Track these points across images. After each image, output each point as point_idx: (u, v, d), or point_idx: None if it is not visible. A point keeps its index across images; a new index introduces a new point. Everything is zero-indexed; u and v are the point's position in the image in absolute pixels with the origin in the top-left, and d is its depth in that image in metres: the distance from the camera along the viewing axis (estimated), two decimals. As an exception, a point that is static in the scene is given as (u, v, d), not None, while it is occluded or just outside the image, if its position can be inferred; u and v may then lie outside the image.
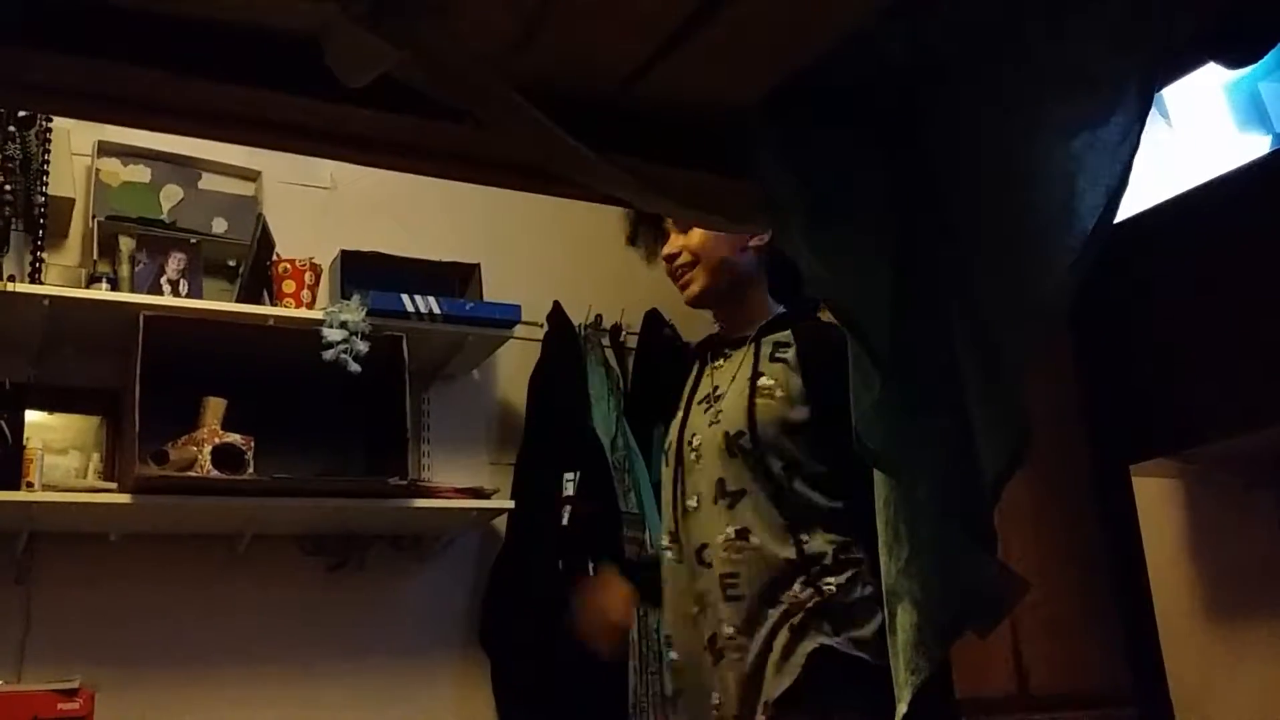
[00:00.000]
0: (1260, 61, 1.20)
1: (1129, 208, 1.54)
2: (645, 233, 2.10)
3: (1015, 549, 1.36)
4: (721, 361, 2.00)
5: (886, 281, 1.20)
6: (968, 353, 1.16)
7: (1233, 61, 1.21)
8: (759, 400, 1.86)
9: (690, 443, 1.95)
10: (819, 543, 1.78)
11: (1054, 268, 1.11)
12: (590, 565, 3.13)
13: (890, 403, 1.18)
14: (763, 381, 1.88)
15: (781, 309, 1.99)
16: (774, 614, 1.75)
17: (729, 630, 1.79)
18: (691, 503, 1.91)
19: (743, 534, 1.81)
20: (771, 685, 1.72)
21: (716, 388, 1.96)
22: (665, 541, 1.98)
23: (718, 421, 1.91)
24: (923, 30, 1.17)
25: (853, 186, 1.25)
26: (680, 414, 2.01)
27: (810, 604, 1.74)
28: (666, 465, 2.00)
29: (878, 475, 1.25)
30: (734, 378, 1.93)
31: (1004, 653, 1.38)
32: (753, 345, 1.94)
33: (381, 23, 1.03)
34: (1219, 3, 1.16)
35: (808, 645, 1.71)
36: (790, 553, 1.78)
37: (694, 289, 1.98)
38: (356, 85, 1.10)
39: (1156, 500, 2.15)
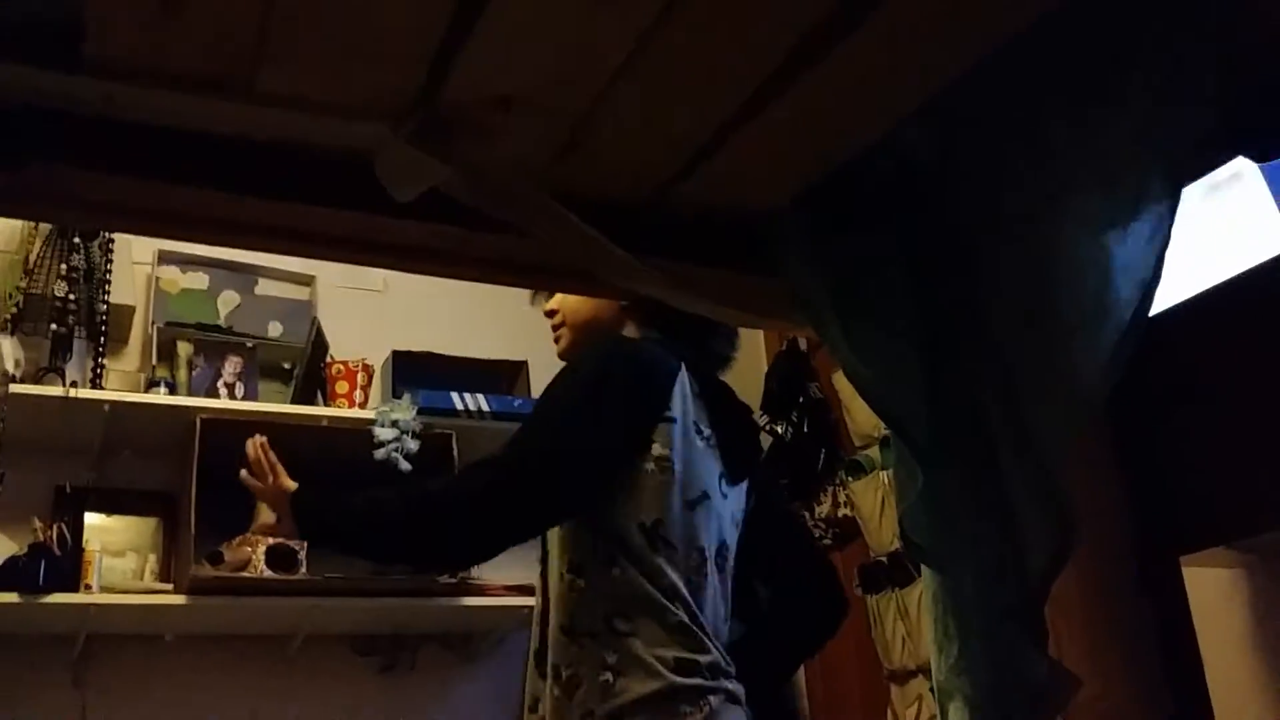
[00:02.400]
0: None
1: (1170, 295, 1.54)
2: (541, 293, 2.07)
3: (1065, 643, 1.34)
4: None
5: (922, 374, 1.22)
6: (1006, 446, 1.16)
7: (1261, 154, 1.22)
8: None
9: None
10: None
11: (1092, 359, 1.12)
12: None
13: (932, 496, 1.19)
14: None
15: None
16: None
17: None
18: None
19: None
20: None
21: None
22: None
23: None
24: (949, 131, 1.20)
25: (881, 283, 1.27)
26: None
27: None
28: None
29: (926, 571, 1.25)
30: None
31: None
32: None
33: (429, 141, 1.08)
34: (1244, 96, 1.18)
35: None
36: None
37: (561, 345, 1.90)
38: (406, 200, 1.15)
39: (1216, 592, 2.10)
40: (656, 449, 1.55)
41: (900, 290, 1.29)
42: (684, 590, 1.53)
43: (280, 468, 1.74)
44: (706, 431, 1.62)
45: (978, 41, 1.08)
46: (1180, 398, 1.48)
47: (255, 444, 1.75)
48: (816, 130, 1.16)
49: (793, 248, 1.29)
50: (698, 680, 1.48)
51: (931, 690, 1.28)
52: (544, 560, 1.73)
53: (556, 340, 1.94)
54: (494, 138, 1.11)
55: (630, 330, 1.81)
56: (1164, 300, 1.45)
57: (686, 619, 1.52)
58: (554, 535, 1.66)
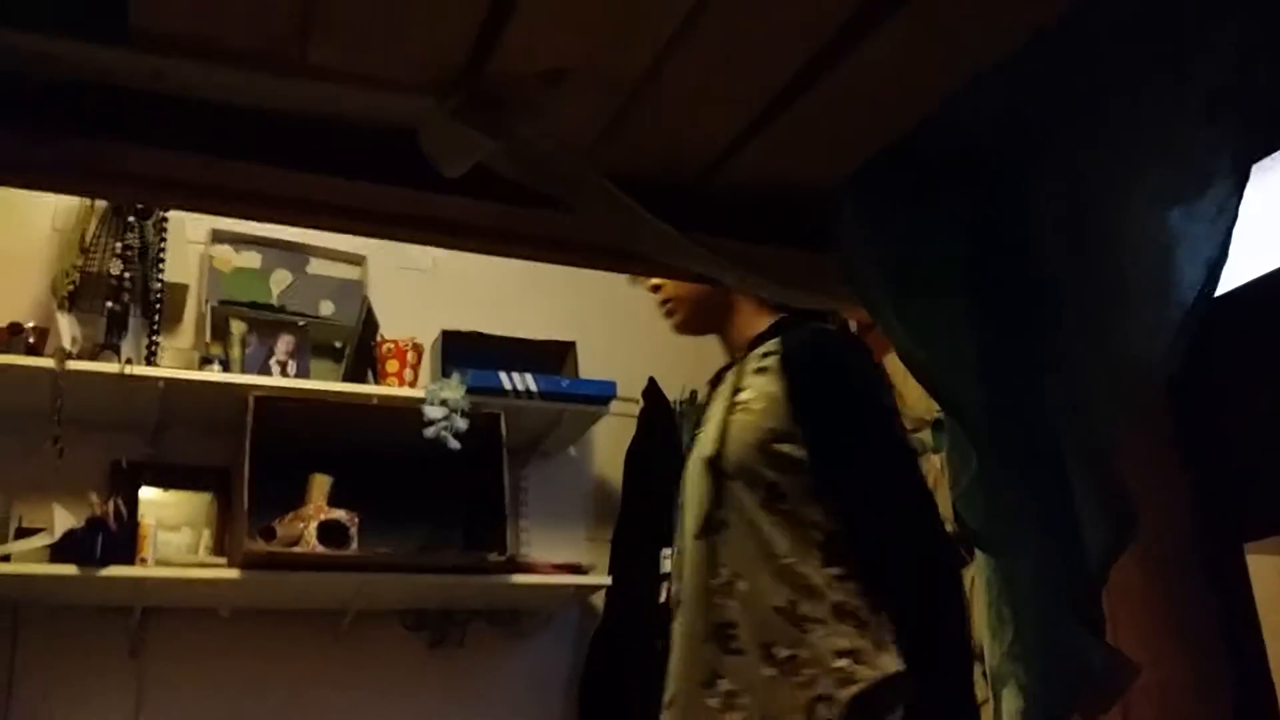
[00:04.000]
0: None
1: (1234, 277, 1.50)
2: None
3: (1125, 630, 1.31)
4: (721, 387, 1.84)
5: (977, 355, 1.19)
6: (1065, 427, 1.13)
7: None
8: (734, 416, 1.68)
9: (682, 485, 1.79)
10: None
11: (1154, 340, 1.09)
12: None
13: (987, 479, 1.16)
14: (741, 395, 1.70)
15: (781, 317, 1.82)
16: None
17: (729, 686, 1.58)
18: (683, 544, 1.74)
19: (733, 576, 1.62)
20: None
21: (707, 416, 1.80)
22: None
23: (695, 447, 1.77)
24: (1009, 105, 1.17)
25: (937, 260, 1.24)
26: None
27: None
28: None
29: (980, 556, 1.23)
30: (721, 399, 1.77)
31: (1116, 740, 1.33)
32: (741, 362, 1.80)
33: (475, 115, 1.07)
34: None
35: None
36: (781, 599, 1.56)
37: (676, 319, 1.93)
38: (452, 175, 1.14)
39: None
40: None
41: (956, 270, 1.26)
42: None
43: None
44: None
45: (1037, 9, 1.05)
46: (1243, 382, 1.44)
47: None
48: (871, 104, 1.13)
49: (846, 225, 1.26)
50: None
51: (984, 675, 1.26)
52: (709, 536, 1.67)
53: (670, 314, 1.94)
54: (541, 112, 1.09)
55: (749, 306, 1.84)
56: (1228, 281, 1.41)
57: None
58: (764, 519, 1.62)
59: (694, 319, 1.91)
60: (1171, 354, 1.07)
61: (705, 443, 1.72)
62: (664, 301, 1.94)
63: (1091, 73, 1.15)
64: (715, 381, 1.91)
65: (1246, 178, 1.04)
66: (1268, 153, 1.26)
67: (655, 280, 1.89)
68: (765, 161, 1.24)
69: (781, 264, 1.36)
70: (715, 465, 1.67)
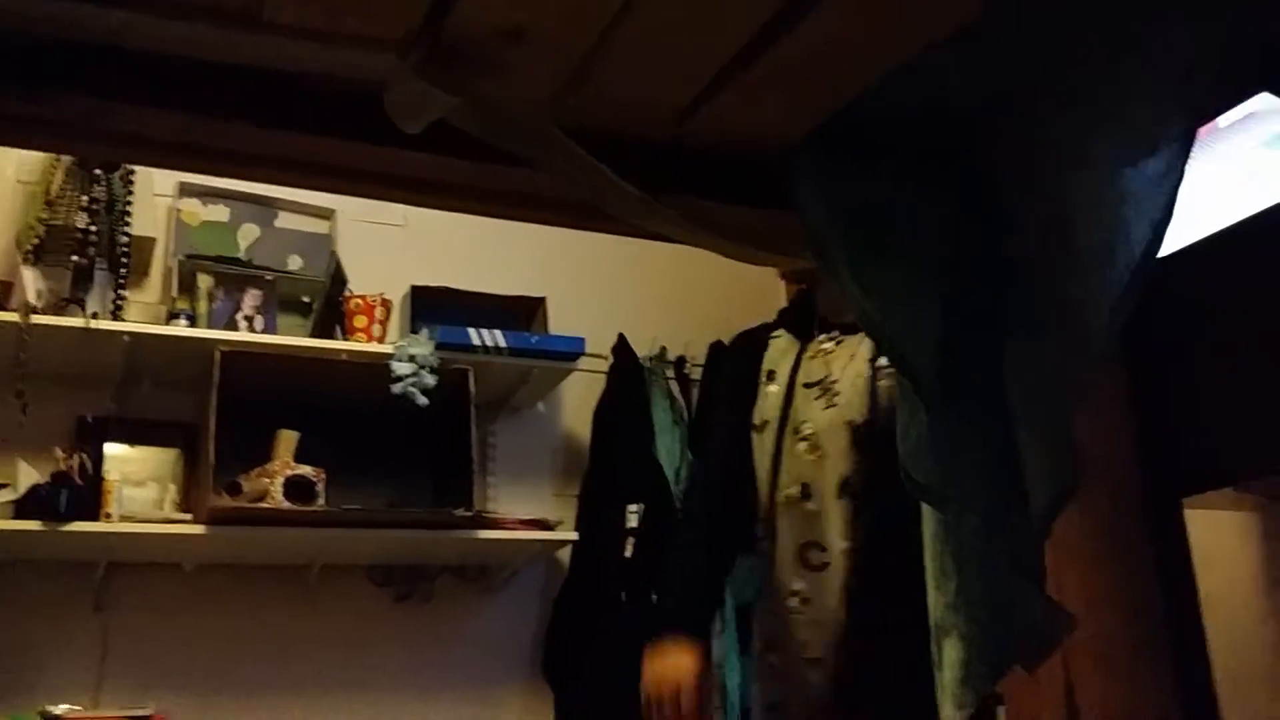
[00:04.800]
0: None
1: (1183, 237, 1.52)
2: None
3: (1067, 584, 1.35)
4: (831, 345, 1.88)
5: (932, 314, 1.21)
6: (1015, 384, 1.16)
7: (1282, 92, 1.20)
8: (882, 382, 1.73)
9: (799, 430, 1.84)
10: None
11: (1103, 299, 1.11)
12: (654, 598, 3.14)
13: (936, 434, 1.19)
14: (884, 361, 1.73)
15: None
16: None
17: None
18: (793, 491, 1.81)
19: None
20: None
21: (829, 375, 1.84)
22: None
23: (834, 406, 1.80)
24: (968, 66, 1.19)
25: (896, 219, 1.26)
26: (781, 393, 1.89)
27: None
28: (761, 448, 1.89)
29: (926, 509, 1.26)
30: (851, 360, 1.81)
31: (1056, 693, 1.37)
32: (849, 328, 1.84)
33: (436, 72, 1.08)
34: (1268, 32, 1.16)
35: None
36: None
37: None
38: (412, 131, 1.15)
39: (1231, 534, 2.10)
40: None
41: (912, 228, 1.28)
42: None
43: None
44: None
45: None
46: (1189, 339, 1.47)
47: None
48: (829, 63, 1.15)
49: (804, 184, 1.28)
50: None
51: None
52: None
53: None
54: (501, 70, 1.10)
55: None
56: (1177, 240, 1.44)
57: None
58: None
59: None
60: (1120, 311, 1.10)
61: (848, 405, 1.78)
62: None
63: (1052, 36, 1.17)
64: (815, 330, 1.92)
65: (1194, 138, 1.06)
66: (1218, 113, 1.29)
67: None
68: (728, 119, 1.25)
69: (747, 225, 1.38)
70: (866, 431, 1.75)
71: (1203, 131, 1.08)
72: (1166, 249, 1.09)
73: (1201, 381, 1.46)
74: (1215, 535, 1.94)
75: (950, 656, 1.16)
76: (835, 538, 1.75)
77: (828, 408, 1.81)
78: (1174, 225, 1.09)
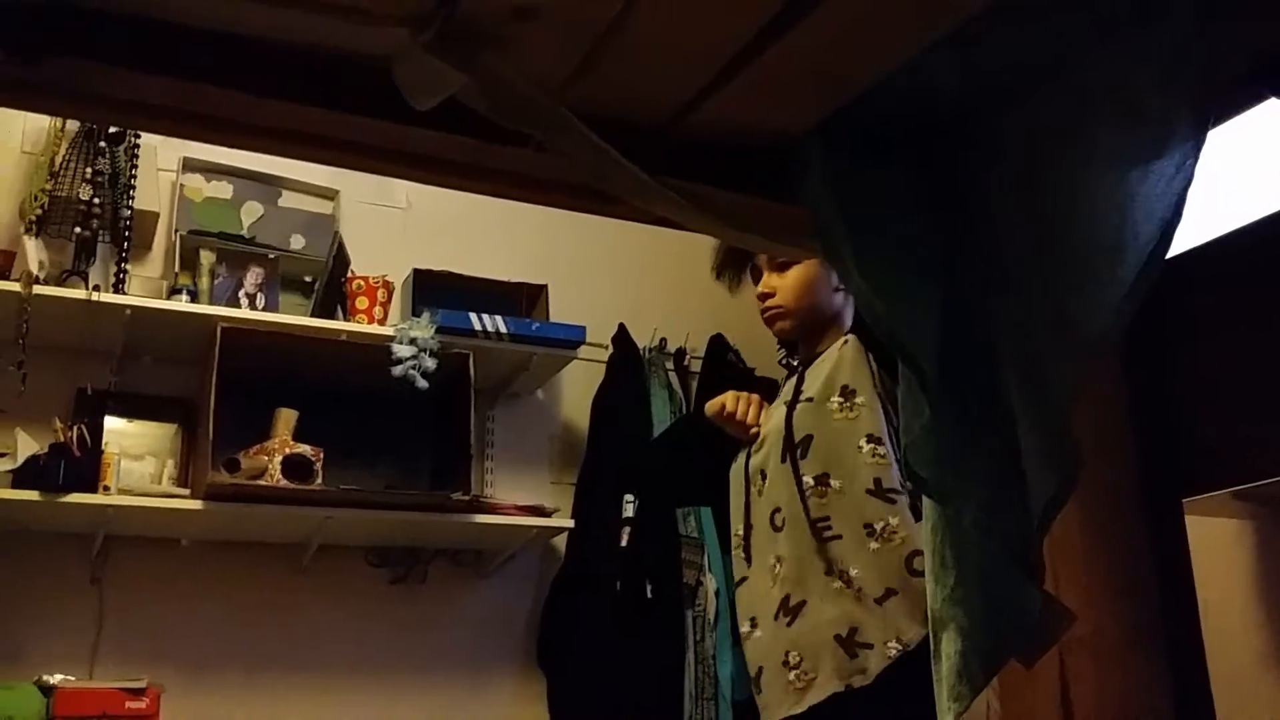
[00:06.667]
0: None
1: (1185, 241, 1.52)
2: (731, 269, 2.17)
3: (1065, 581, 1.35)
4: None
5: (934, 308, 1.21)
6: (1017, 381, 1.16)
7: (1294, 96, 1.20)
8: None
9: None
10: None
11: (1106, 298, 1.11)
12: (648, 588, 3.15)
13: (939, 429, 1.19)
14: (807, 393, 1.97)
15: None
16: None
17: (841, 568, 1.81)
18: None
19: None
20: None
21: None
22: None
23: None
24: (973, 62, 1.18)
25: (900, 213, 1.26)
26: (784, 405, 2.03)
27: None
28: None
29: (926, 502, 1.26)
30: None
31: (1052, 688, 1.37)
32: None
33: (447, 49, 1.07)
34: (1276, 36, 1.16)
35: None
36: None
37: (783, 326, 2.08)
38: (423, 108, 1.14)
39: (1226, 541, 2.10)
40: None
41: (918, 222, 1.28)
42: None
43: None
44: None
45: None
46: (1191, 341, 1.47)
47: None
48: (839, 53, 1.14)
49: (811, 176, 1.28)
50: None
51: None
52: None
53: (773, 321, 2.10)
54: (511, 49, 1.10)
55: (845, 306, 2.05)
56: (1183, 243, 1.43)
57: None
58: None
59: (797, 329, 2.09)
60: (1124, 311, 1.10)
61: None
62: (772, 308, 2.08)
63: (1052, 34, 1.17)
64: (791, 372, 2.14)
65: (1204, 140, 1.06)
66: (1227, 117, 1.29)
67: (764, 288, 2.06)
68: (732, 108, 1.24)
69: (753, 213, 1.37)
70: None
71: (1212, 133, 1.07)
72: (1169, 251, 1.09)
73: (1204, 384, 1.46)
74: (1208, 542, 1.93)
75: (948, 649, 1.16)
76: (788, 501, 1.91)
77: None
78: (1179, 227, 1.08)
